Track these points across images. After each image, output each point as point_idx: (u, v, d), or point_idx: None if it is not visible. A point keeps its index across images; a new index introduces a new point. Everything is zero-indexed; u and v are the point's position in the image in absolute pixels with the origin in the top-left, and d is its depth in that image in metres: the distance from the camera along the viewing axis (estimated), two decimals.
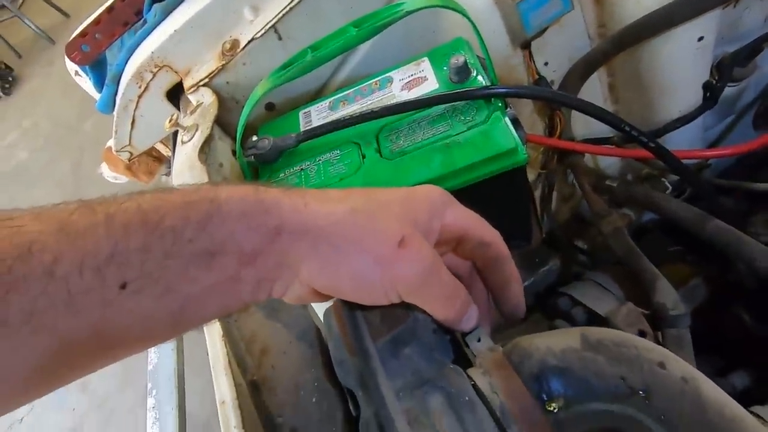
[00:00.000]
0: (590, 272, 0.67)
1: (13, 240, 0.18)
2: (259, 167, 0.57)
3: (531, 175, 0.77)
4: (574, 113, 0.71)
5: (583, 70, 0.66)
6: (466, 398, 0.25)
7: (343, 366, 0.29)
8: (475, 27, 0.51)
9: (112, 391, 1.72)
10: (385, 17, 0.49)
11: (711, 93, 0.63)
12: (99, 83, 0.75)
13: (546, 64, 0.69)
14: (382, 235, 0.25)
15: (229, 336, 0.39)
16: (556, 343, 0.28)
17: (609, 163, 0.82)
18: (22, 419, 1.82)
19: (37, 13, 3.74)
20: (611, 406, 0.25)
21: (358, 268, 0.25)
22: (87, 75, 0.76)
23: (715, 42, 0.64)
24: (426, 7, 0.48)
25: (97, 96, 0.75)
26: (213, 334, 0.39)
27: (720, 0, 0.55)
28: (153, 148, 0.71)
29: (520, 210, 0.52)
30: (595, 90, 0.73)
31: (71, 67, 0.81)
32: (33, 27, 3.64)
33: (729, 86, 0.67)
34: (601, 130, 0.65)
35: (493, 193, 0.48)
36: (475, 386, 0.26)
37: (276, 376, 0.36)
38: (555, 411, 0.26)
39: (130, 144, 0.65)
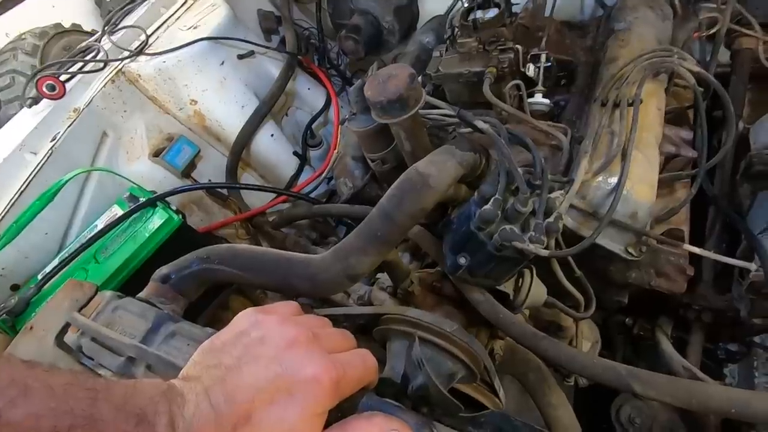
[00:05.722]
0: None
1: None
2: (14, 321, 0.78)
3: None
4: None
5: (228, 170, 1.10)
6: None
7: None
8: (127, 179, 0.89)
9: None
10: (58, 185, 0.82)
11: (299, 157, 1.15)
12: None
13: (209, 180, 1.11)
14: None
15: None
16: None
17: None
18: None
19: None
20: None
21: None
22: None
23: (286, 132, 1.18)
24: (81, 173, 0.84)
25: None
26: None
27: (260, 119, 1.08)
28: None
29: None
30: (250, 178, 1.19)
31: None
32: None
33: (313, 150, 1.22)
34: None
35: (179, 246, 0.82)
36: None
37: None
38: None
39: None
